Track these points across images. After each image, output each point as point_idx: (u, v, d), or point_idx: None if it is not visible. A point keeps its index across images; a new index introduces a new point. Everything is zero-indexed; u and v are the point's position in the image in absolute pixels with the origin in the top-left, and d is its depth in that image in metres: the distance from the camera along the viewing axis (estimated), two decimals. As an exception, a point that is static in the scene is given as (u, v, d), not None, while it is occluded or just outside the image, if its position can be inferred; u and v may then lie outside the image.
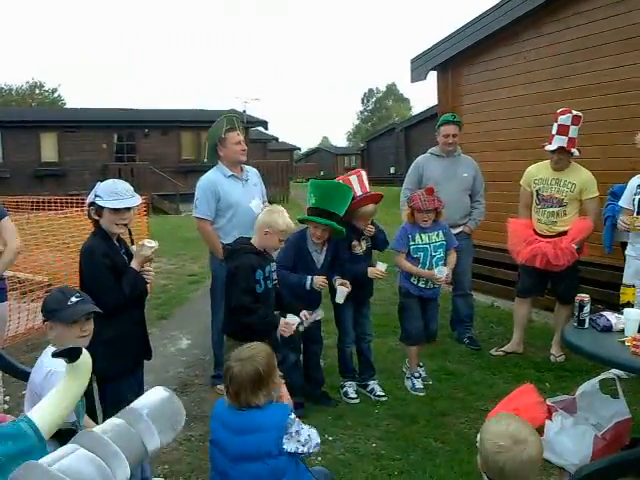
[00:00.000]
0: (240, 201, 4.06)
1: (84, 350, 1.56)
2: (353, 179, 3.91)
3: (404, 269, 4.08)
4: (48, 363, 2.20)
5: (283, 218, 3.28)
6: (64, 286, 2.68)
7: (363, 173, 4.02)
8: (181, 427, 1.12)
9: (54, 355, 1.53)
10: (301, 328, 3.35)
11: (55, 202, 8.35)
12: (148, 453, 0.98)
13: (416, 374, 4.19)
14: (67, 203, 8.07)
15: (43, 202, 8.64)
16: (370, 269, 3.92)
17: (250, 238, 3.33)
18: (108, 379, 2.80)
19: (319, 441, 2.29)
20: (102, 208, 2.78)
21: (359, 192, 3.89)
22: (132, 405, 1.05)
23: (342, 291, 3.75)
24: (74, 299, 2.31)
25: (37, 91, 50.71)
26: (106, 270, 2.74)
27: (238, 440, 2.22)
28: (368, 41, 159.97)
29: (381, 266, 3.92)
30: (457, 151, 5.04)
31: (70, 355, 1.50)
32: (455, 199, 4.84)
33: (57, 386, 1.51)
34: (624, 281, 3.71)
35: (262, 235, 3.26)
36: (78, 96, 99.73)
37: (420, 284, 4.07)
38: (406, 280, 4.12)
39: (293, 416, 2.24)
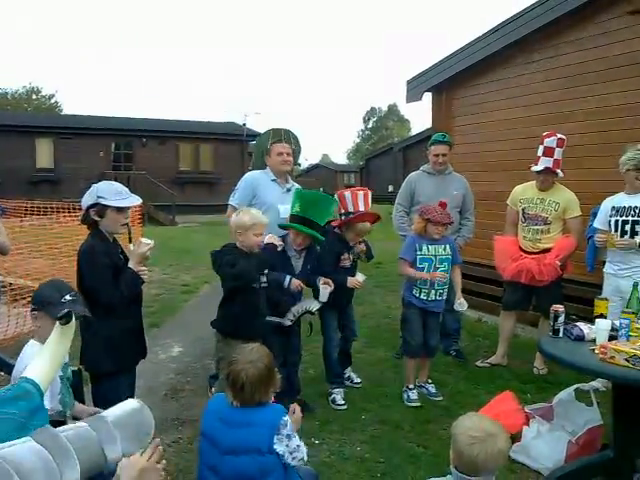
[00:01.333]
0: (274, 203, 4.20)
1: (73, 314, 1.72)
2: (360, 195, 4.10)
3: (407, 274, 4.17)
4: (27, 357, 2.30)
5: (248, 214, 3.49)
6: (59, 279, 2.72)
7: (369, 192, 4.20)
8: (148, 439, 1.11)
9: (58, 317, 1.69)
10: (287, 322, 3.64)
11: (49, 208, 8.34)
12: (107, 460, 0.97)
13: (411, 386, 4.26)
14: (62, 209, 8.05)
15: (37, 208, 8.63)
16: (350, 279, 4.09)
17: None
18: (104, 375, 2.87)
19: (306, 458, 2.37)
20: (106, 208, 2.83)
21: (362, 208, 4.08)
22: (101, 413, 1.07)
23: (325, 289, 3.90)
24: (68, 297, 2.32)
25: (34, 96, 50.28)
26: (106, 269, 2.80)
27: (231, 433, 2.32)
28: (372, 60, 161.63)
29: (360, 277, 4.12)
30: (448, 169, 5.15)
31: (68, 318, 1.69)
32: None
33: (46, 348, 1.58)
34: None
35: (238, 238, 3.45)
36: (75, 103, 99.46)
37: (422, 296, 4.13)
38: (408, 292, 4.20)
39: (287, 419, 2.34)
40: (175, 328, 6.34)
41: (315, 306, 3.88)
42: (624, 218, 4.03)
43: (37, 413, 1.18)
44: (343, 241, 4.16)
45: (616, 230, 4.05)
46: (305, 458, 2.38)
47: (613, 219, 4.09)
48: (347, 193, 4.19)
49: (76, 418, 2.54)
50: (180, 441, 3.60)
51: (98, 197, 2.83)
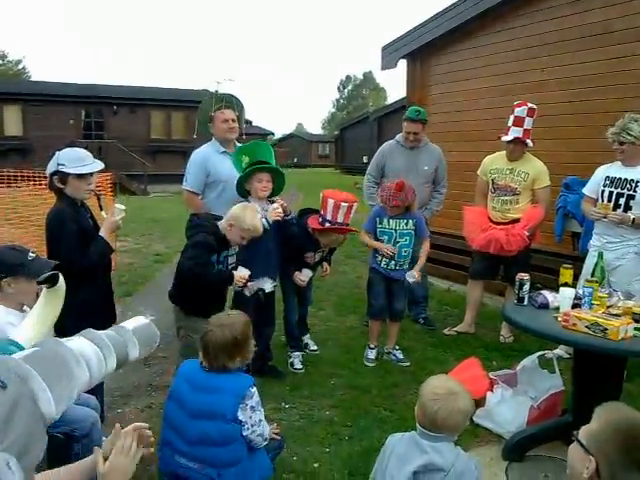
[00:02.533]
0: (230, 177, 4.02)
1: (60, 275, 1.80)
2: (342, 207, 3.99)
3: (363, 242, 4.39)
4: None
5: (252, 218, 3.27)
6: (9, 243, 2.71)
7: (355, 205, 4.08)
8: (156, 345, 1.39)
9: (40, 282, 1.80)
10: (246, 292, 3.62)
11: (20, 177, 8.23)
12: (129, 358, 1.27)
13: (372, 345, 4.44)
14: (32, 177, 7.97)
15: (7, 177, 8.49)
16: (296, 274, 4.15)
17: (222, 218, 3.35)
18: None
19: (266, 435, 2.43)
20: (67, 175, 2.82)
21: (340, 220, 4.01)
22: (121, 324, 1.34)
23: (266, 282, 3.89)
24: (32, 254, 2.36)
25: (0, 62, 48.90)
26: (74, 234, 2.79)
27: (198, 397, 2.36)
28: (347, 26, 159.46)
29: (305, 274, 4.18)
30: (422, 142, 5.04)
31: (53, 280, 1.78)
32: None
33: (35, 310, 1.65)
34: (583, 272, 3.94)
35: (226, 226, 3.28)
36: (44, 70, 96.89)
37: (383, 265, 4.27)
38: (373, 259, 4.37)
39: (254, 390, 2.37)
40: (148, 297, 6.31)
41: (268, 287, 3.89)
42: (619, 190, 3.91)
43: None
44: (312, 241, 4.15)
45: (609, 201, 3.96)
46: (266, 436, 2.42)
47: (607, 189, 3.99)
48: (330, 200, 4.04)
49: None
50: (152, 406, 3.64)
51: (59, 164, 2.83)
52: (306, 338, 4.61)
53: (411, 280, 4.21)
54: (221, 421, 2.32)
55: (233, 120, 4.17)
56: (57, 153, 2.90)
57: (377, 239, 4.26)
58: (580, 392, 3.04)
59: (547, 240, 5.05)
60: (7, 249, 2.45)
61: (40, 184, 7.05)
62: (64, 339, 1.12)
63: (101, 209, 3.10)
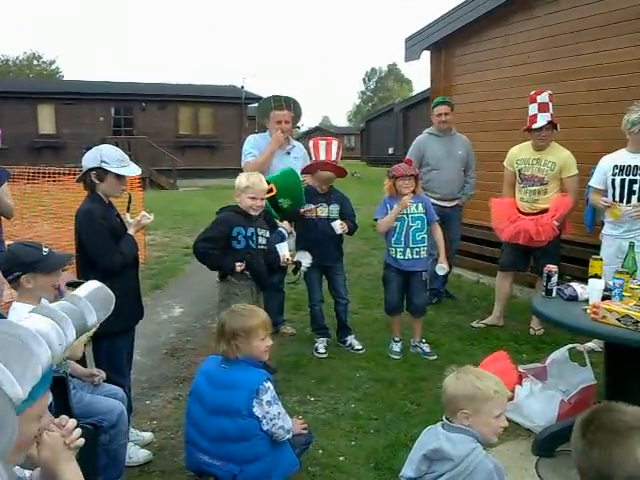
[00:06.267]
0: (274, 166, 4.42)
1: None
2: (321, 144, 4.31)
3: (381, 225, 4.28)
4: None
5: (246, 177, 3.57)
6: (24, 240, 2.77)
7: (335, 142, 4.36)
8: (112, 307, 1.40)
9: (69, 284, 1.95)
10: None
11: (52, 174, 8.41)
12: (87, 324, 1.28)
13: (396, 338, 4.42)
14: (64, 174, 8.14)
15: (41, 174, 8.68)
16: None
17: None
18: (104, 336, 2.90)
19: (289, 428, 2.43)
20: (106, 173, 2.83)
21: (322, 157, 4.28)
22: (73, 292, 1.35)
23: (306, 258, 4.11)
24: (46, 249, 2.43)
25: (35, 62, 50.18)
26: (104, 231, 2.83)
27: (216, 394, 2.40)
28: (373, 18, 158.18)
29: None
30: (452, 130, 5.49)
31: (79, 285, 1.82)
32: (454, 175, 5.45)
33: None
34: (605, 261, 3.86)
35: (237, 200, 3.56)
36: (76, 69, 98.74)
37: (399, 256, 4.23)
38: (387, 254, 4.34)
39: (268, 385, 2.38)
40: (177, 289, 6.41)
41: (306, 262, 4.08)
42: (631, 177, 3.90)
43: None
44: (312, 192, 4.32)
45: (622, 189, 3.93)
46: (287, 428, 2.42)
47: (618, 178, 3.96)
48: (311, 142, 4.40)
49: (73, 377, 2.62)
50: (180, 398, 3.67)
51: (102, 161, 2.82)
52: (350, 338, 4.52)
53: (442, 273, 4.26)
54: (237, 417, 2.34)
55: (287, 122, 4.54)
56: (97, 149, 2.89)
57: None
58: (612, 386, 2.98)
59: (578, 230, 4.93)
60: (22, 246, 2.51)
61: (72, 181, 7.21)
62: (18, 319, 1.14)
63: (128, 210, 3.13)
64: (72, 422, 1.37)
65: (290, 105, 4.62)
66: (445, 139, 5.43)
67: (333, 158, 4.29)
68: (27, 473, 1.38)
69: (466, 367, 2.01)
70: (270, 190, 3.77)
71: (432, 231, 4.34)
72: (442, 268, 4.23)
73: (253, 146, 4.56)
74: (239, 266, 3.45)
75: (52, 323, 1.15)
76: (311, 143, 4.41)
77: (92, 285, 1.39)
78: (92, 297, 1.32)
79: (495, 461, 1.93)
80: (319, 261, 4.27)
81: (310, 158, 4.51)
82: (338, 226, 4.24)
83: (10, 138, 19.77)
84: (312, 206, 4.29)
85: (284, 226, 3.89)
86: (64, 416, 1.39)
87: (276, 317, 4.51)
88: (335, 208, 4.34)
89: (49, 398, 1.20)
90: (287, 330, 4.86)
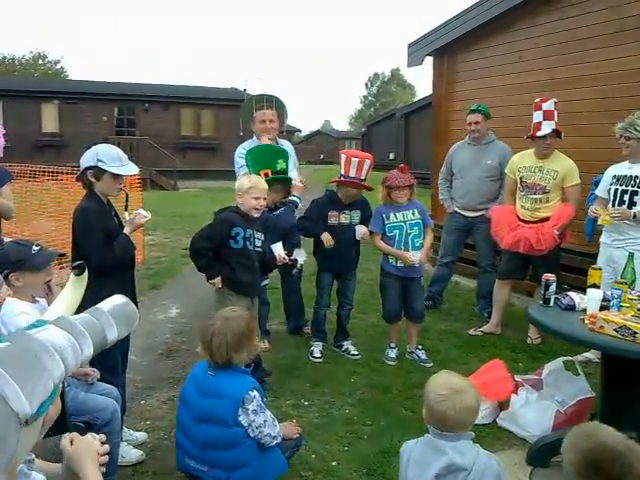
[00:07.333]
0: None
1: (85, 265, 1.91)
2: (353, 161, 4.11)
3: (380, 249, 4.30)
4: (9, 314, 2.34)
5: (248, 178, 3.63)
6: (15, 239, 2.76)
7: (367, 161, 4.14)
8: (136, 324, 1.35)
9: (74, 267, 1.92)
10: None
11: (53, 172, 8.41)
12: (107, 340, 1.22)
13: (392, 345, 4.40)
14: (66, 174, 8.13)
15: (43, 172, 8.68)
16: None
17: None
18: None
19: (277, 434, 2.39)
20: (103, 172, 2.83)
21: (352, 174, 4.12)
22: (97, 305, 1.30)
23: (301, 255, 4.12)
24: (35, 247, 2.42)
25: (40, 62, 50.26)
26: (99, 231, 2.82)
27: (202, 402, 2.38)
28: (376, 23, 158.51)
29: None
30: (487, 138, 5.31)
31: (82, 268, 1.90)
32: (474, 185, 5.29)
33: (63, 295, 1.72)
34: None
35: (239, 201, 3.57)
36: (81, 69, 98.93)
37: (398, 264, 4.21)
38: (385, 260, 4.31)
39: (254, 394, 2.35)
40: (174, 290, 6.40)
41: (301, 259, 4.06)
42: (624, 187, 3.94)
43: None
44: (335, 200, 4.26)
45: (615, 199, 3.97)
46: (274, 435, 2.38)
47: (613, 187, 4.00)
48: (343, 156, 4.22)
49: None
50: (174, 399, 3.62)
51: (98, 160, 2.83)
52: (347, 344, 4.52)
53: (416, 259, 4.10)
54: (224, 426, 2.32)
55: (271, 120, 4.45)
56: (94, 148, 2.89)
57: (388, 237, 4.20)
58: (608, 397, 2.96)
59: (578, 239, 4.92)
60: (14, 244, 2.52)
61: (72, 180, 7.20)
62: (34, 330, 1.09)
63: (125, 209, 3.12)
64: (102, 437, 1.47)
65: (272, 103, 4.52)
66: (475, 148, 5.33)
67: (363, 177, 4.16)
68: (34, 474, 1.38)
69: (446, 381, 1.96)
70: (266, 175, 3.88)
71: (425, 234, 4.30)
72: (415, 254, 4.12)
73: (243, 157, 4.45)
74: (217, 282, 3.52)
75: (69, 337, 1.11)
76: (343, 157, 4.21)
77: (117, 300, 1.34)
78: (115, 312, 1.28)
79: (494, 457, 1.95)
80: (337, 267, 4.34)
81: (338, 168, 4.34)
82: (360, 231, 4.22)
83: (13, 136, 19.88)
84: (335, 213, 4.26)
85: (296, 193, 4.03)
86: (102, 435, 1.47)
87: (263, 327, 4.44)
88: (356, 214, 4.31)
89: (58, 407, 1.17)
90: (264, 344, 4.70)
